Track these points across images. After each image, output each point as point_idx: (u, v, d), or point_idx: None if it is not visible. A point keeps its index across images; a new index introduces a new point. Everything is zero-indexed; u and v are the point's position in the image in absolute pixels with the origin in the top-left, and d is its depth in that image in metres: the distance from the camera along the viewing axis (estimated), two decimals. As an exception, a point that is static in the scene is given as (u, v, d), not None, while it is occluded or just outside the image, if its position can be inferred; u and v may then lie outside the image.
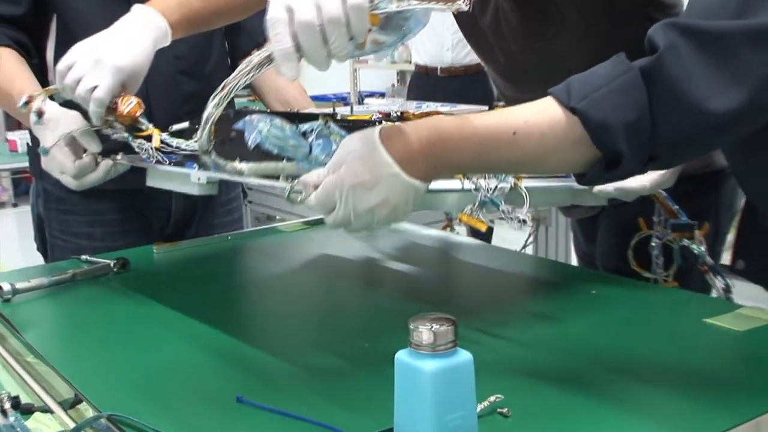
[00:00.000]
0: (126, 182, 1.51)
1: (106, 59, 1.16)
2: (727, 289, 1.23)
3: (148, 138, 1.20)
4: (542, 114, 0.86)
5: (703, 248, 1.22)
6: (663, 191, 1.21)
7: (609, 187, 1.09)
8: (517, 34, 1.36)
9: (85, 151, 1.27)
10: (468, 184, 0.92)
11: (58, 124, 1.25)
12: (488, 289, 1.30)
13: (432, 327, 0.68)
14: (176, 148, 1.19)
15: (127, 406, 0.83)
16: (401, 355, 0.70)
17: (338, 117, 1.09)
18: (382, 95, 7.41)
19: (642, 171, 0.94)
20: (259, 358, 1.02)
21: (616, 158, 0.85)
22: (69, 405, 0.88)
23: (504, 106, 1.21)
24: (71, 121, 1.26)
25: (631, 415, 0.81)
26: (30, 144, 1.66)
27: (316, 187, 0.85)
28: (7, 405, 0.87)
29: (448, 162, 0.86)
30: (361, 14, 0.79)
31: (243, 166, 0.98)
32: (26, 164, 1.92)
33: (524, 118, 0.86)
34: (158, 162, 1.19)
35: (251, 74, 0.85)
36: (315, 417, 0.78)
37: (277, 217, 2.51)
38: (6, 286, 1.22)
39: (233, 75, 0.86)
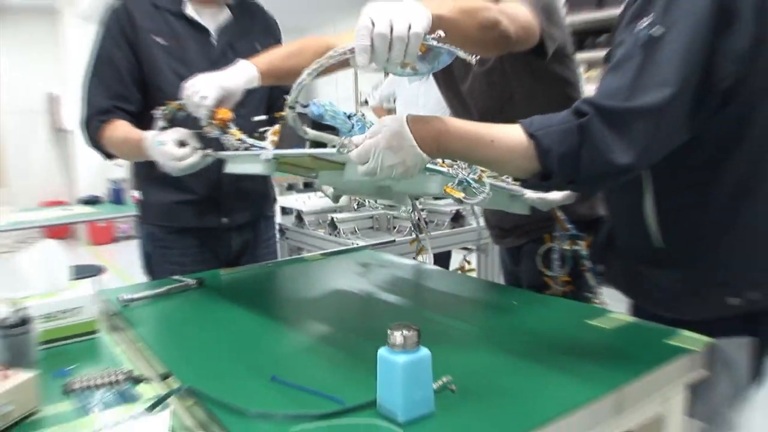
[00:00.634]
0: (203, 221, 1.55)
1: (214, 81, 1.22)
2: (597, 285, 1.25)
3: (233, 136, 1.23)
4: (512, 133, 0.86)
5: (585, 253, 1.24)
6: (563, 215, 1.23)
7: (534, 196, 1.08)
8: (485, 95, 1.35)
9: (183, 146, 1.28)
10: (452, 171, 0.91)
11: (171, 131, 1.30)
12: (444, 303, 1.28)
13: (402, 332, 0.69)
14: (251, 145, 1.21)
15: (198, 380, 0.83)
16: (382, 351, 0.71)
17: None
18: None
19: (562, 188, 0.95)
20: (287, 350, 1.01)
21: (549, 174, 0.85)
22: (163, 378, 0.88)
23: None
24: (179, 130, 1.30)
25: (536, 386, 0.81)
26: (140, 198, 1.64)
27: (357, 146, 0.86)
28: (123, 377, 0.88)
29: (446, 149, 0.86)
30: (417, 39, 0.79)
31: (310, 131, 0.96)
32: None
33: (501, 133, 0.86)
34: (236, 149, 1.19)
35: (334, 59, 0.83)
36: (324, 390, 0.78)
37: (305, 250, 2.49)
38: (127, 296, 1.23)
39: (322, 57, 0.85)
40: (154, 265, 1.61)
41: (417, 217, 1.58)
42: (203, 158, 1.29)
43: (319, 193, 3.03)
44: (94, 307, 1.09)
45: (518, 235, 1.46)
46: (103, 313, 1.20)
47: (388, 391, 0.71)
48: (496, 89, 1.32)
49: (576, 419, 0.75)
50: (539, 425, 0.71)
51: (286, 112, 0.95)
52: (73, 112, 5.40)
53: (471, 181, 0.88)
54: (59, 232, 6.57)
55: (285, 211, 2.92)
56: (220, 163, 1.37)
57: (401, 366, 0.68)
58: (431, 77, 1.47)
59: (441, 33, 0.81)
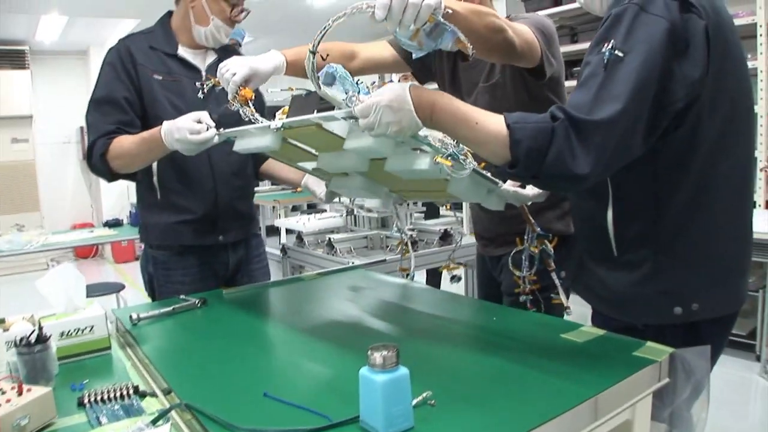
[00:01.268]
0: (202, 239, 1.56)
1: (245, 61, 1.22)
2: (562, 284, 1.24)
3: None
4: (494, 120, 0.87)
5: (551, 252, 1.23)
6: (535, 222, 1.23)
7: (510, 189, 1.07)
8: (488, 108, 1.34)
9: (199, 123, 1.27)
10: (441, 147, 0.91)
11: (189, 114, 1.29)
12: (428, 320, 1.25)
13: (382, 353, 0.67)
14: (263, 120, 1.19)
15: (197, 395, 0.81)
16: (363, 371, 0.69)
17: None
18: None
19: (526, 181, 0.97)
20: (280, 368, 1.00)
21: (516, 164, 0.86)
22: (165, 393, 0.87)
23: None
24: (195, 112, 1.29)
25: (514, 398, 0.79)
26: (143, 222, 1.62)
27: (361, 102, 0.88)
28: (131, 391, 0.87)
29: (437, 120, 0.88)
30: (428, 8, 0.81)
31: (323, 86, 0.94)
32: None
33: (485, 118, 0.88)
34: (250, 122, 1.18)
35: (354, 13, 0.84)
36: (313, 406, 0.76)
37: (305, 268, 2.47)
38: (134, 315, 1.22)
39: (346, 9, 0.84)
40: (156, 287, 1.59)
41: (408, 236, 1.57)
42: (216, 135, 1.28)
43: (318, 215, 3.02)
44: (108, 325, 1.08)
45: (499, 244, 1.47)
46: (116, 331, 1.19)
47: (369, 408, 0.69)
48: (497, 104, 1.32)
49: (552, 428, 0.73)
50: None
51: (307, 56, 0.94)
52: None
53: (458, 155, 0.90)
54: (87, 251, 6.56)
55: (288, 231, 2.91)
56: (215, 184, 1.45)
57: (380, 385, 0.67)
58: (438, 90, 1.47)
59: (449, 10, 0.84)
